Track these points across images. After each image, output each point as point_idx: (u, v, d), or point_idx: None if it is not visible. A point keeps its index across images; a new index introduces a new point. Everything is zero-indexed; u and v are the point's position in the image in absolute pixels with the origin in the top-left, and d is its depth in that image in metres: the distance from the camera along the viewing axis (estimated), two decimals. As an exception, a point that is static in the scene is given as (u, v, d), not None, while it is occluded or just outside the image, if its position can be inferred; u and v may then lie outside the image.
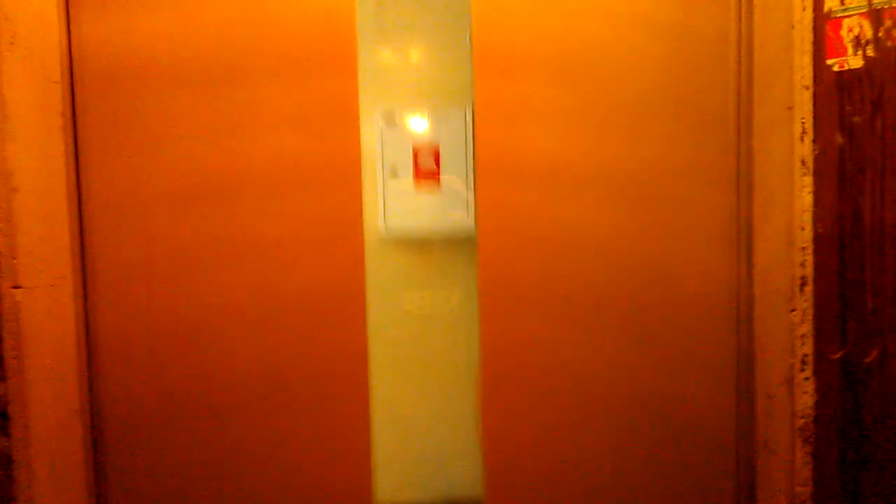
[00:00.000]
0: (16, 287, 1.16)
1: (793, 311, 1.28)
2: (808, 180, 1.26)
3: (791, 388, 1.28)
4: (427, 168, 1.26)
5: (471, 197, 1.27)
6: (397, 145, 1.27)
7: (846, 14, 1.21)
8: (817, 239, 1.26)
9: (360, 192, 1.34)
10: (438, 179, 1.27)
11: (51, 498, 1.22)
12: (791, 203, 1.28)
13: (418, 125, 1.24)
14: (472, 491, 1.48)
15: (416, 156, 1.26)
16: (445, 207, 1.27)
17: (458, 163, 1.27)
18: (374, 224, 1.35)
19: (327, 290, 1.36)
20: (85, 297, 1.33)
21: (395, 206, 1.28)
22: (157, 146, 1.33)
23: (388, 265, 1.35)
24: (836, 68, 1.23)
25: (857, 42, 1.21)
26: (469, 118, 1.28)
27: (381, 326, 1.35)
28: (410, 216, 1.29)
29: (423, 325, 1.37)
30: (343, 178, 1.35)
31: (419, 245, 1.32)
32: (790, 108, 1.27)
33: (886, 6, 1.18)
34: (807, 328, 1.27)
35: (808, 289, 1.27)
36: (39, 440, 1.19)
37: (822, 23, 1.23)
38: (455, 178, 1.26)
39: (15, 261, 1.16)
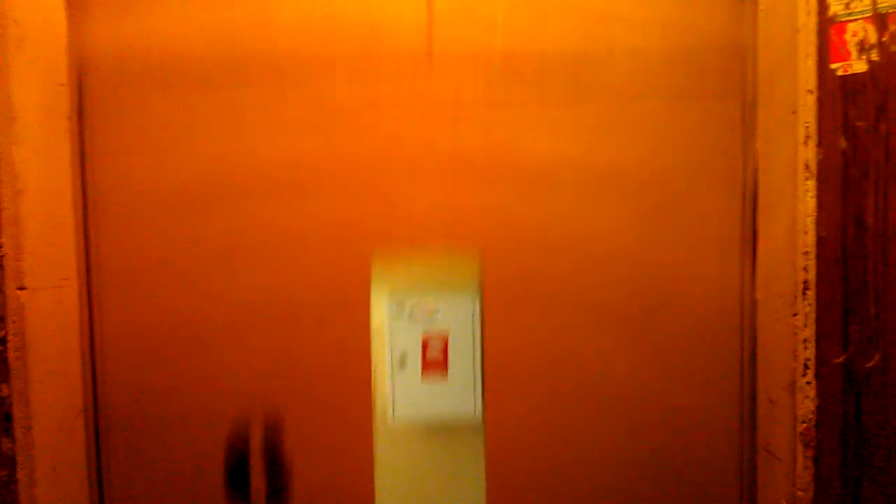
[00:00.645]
0: (21, 288, 1.17)
1: (795, 315, 1.28)
2: (812, 184, 1.25)
3: (793, 393, 1.28)
4: (435, 359, 1.29)
5: (478, 391, 1.30)
6: (406, 334, 1.30)
7: (850, 18, 1.21)
8: (820, 243, 1.26)
9: (368, 193, 1.35)
10: (447, 371, 1.30)
11: (53, 499, 1.23)
12: (794, 207, 1.27)
13: (427, 314, 1.27)
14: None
15: (424, 346, 1.29)
16: (453, 399, 1.30)
17: (466, 352, 1.30)
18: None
19: (332, 291, 1.37)
20: (89, 298, 1.34)
21: (403, 395, 1.31)
22: (162, 148, 1.34)
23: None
24: (840, 72, 1.23)
25: (862, 46, 1.21)
26: (477, 307, 1.31)
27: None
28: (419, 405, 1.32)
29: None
30: (352, 179, 1.35)
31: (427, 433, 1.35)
32: (794, 112, 1.26)
33: (891, 11, 1.18)
34: (809, 332, 1.27)
35: (811, 293, 1.26)
36: (42, 441, 1.20)
37: (827, 27, 1.23)
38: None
39: (20, 262, 1.17)
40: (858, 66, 1.21)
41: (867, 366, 1.23)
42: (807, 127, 1.25)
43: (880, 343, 1.22)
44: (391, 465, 1.33)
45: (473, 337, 1.29)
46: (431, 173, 1.37)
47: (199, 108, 1.34)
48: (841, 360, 1.25)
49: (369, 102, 1.35)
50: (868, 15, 1.20)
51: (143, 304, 1.35)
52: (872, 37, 1.20)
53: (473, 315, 1.30)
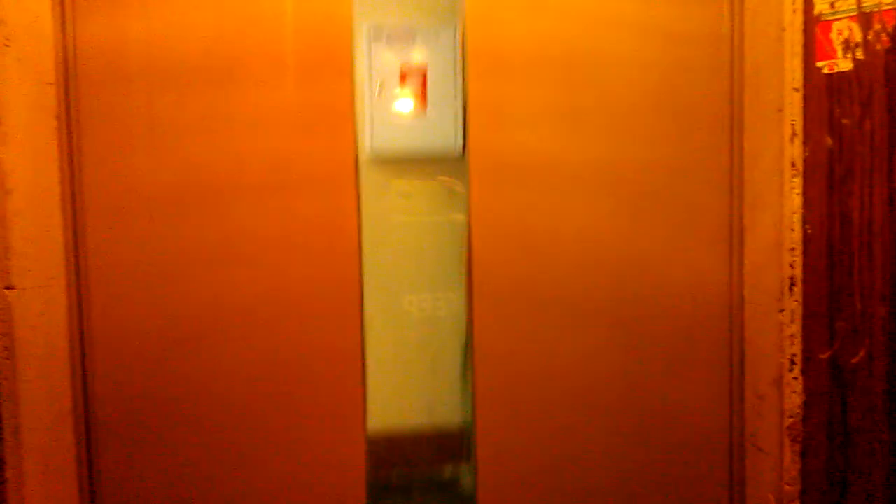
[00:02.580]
0: (8, 288, 1.17)
1: (782, 311, 1.29)
2: (798, 182, 1.27)
3: (780, 388, 1.30)
4: (414, 91, 1.20)
5: (458, 125, 1.21)
6: (384, 65, 1.21)
7: (836, 17, 1.22)
8: (806, 240, 1.27)
9: (355, 191, 1.35)
10: (425, 104, 1.21)
11: (43, 499, 1.23)
12: (781, 204, 1.29)
13: (406, 42, 1.18)
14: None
15: (403, 77, 1.20)
16: (433, 132, 1.20)
17: (446, 87, 1.21)
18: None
19: (322, 289, 1.37)
20: (79, 297, 1.33)
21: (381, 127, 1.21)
22: (152, 147, 1.33)
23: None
24: (825, 71, 1.24)
25: (847, 45, 1.22)
26: (458, 36, 1.23)
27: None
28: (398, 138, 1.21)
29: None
30: (338, 177, 1.35)
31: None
32: (780, 110, 1.28)
33: (876, 10, 1.19)
34: (795, 328, 1.28)
35: (797, 289, 1.28)
36: (31, 442, 1.20)
37: (812, 26, 1.24)
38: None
39: (8, 262, 1.16)
40: (844, 64, 1.22)
41: (853, 361, 1.24)
42: (793, 125, 1.26)
43: (866, 338, 1.23)
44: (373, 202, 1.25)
45: (454, 70, 1.22)
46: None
47: (188, 108, 1.33)
48: (827, 355, 1.26)
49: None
50: (853, 14, 1.21)
51: (132, 303, 1.34)
52: (857, 35, 1.21)
53: (455, 47, 1.22)
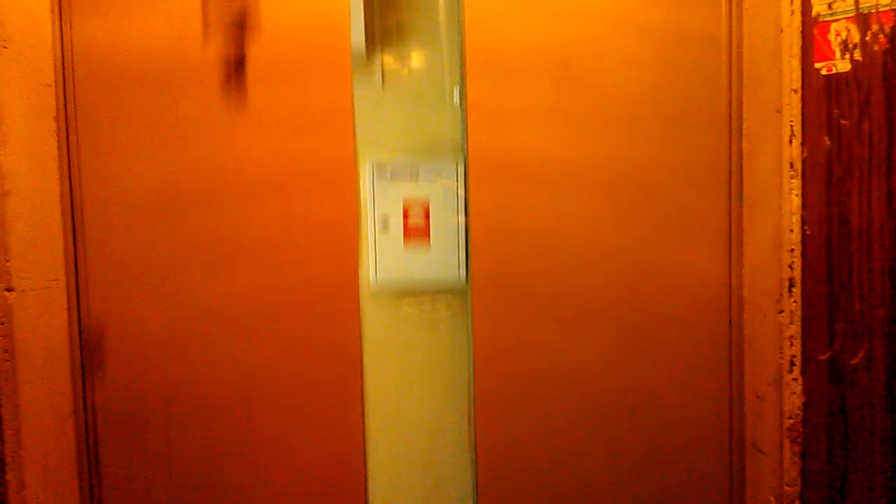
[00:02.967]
0: (9, 290, 1.17)
1: (781, 312, 1.29)
2: (797, 183, 1.27)
3: (779, 389, 1.29)
4: (416, 224, 1.25)
5: (462, 254, 1.26)
6: (387, 199, 1.25)
7: (834, 18, 1.22)
8: (805, 241, 1.27)
9: (356, 192, 1.35)
10: (428, 236, 1.25)
11: (44, 501, 1.23)
12: (780, 205, 1.29)
13: (408, 178, 1.22)
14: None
15: (406, 212, 1.25)
16: (435, 264, 1.25)
17: (449, 216, 1.25)
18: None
19: (322, 291, 1.36)
20: (78, 299, 1.33)
21: (384, 259, 1.25)
22: (150, 148, 1.33)
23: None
24: (824, 72, 1.24)
25: (845, 46, 1.22)
26: (461, 171, 1.27)
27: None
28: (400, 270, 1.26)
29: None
30: (338, 178, 1.35)
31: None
32: (779, 111, 1.28)
33: (873, 11, 1.19)
34: (795, 329, 1.28)
35: (797, 290, 1.28)
36: (32, 442, 1.20)
37: (811, 27, 1.24)
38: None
39: (8, 264, 1.16)
40: (842, 65, 1.22)
41: (852, 362, 1.24)
42: (791, 126, 1.26)
43: (865, 339, 1.23)
44: (376, 330, 1.29)
45: (457, 202, 1.25)
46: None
47: (186, 109, 1.33)
48: (826, 356, 1.26)
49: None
50: (851, 15, 1.21)
51: (132, 302, 1.34)
52: (855, 36, 1.21)
53: (457, 180, 1.25)
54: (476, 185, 1.36)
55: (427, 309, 1.32)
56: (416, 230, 1.26)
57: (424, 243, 1.24)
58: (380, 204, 1.24)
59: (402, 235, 1.24)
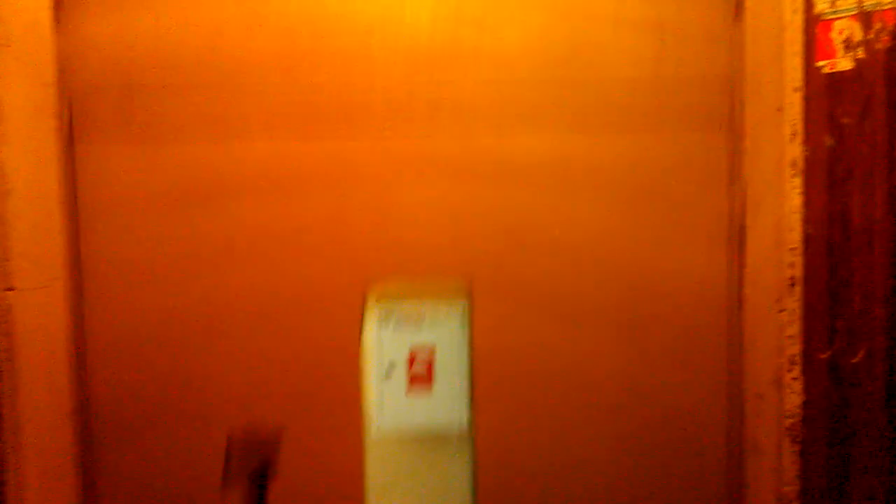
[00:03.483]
0: (9, 289, 1.17)
1: (782, 311, 1.29)
2: (798, 181, 1.26)
3: (779, 388, 1.29)
4: (420, 372, 1.27)
5: (465, 403, 1.27)
6: (394, 346, 1.27)
7: (836, 16, 1.22)
8: (807, 240, 1.27)
9: (358, 194, 1.35)
10: (431, 384, 1.27)
11: (43, 500, 1.23)
12: (781, 204, 1.28)
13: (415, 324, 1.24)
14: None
15: (411, 359, 1.27)
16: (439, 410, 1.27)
17: (453, 364, 1.27)
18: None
19: (322, 290, 1.37)
20: (79, 298, 1.33)
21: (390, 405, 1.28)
22: (150, 148, 1.33)
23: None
24: (826, 70, 1.23)
25: (848, 44, 1.21)
26: (465, 317, 1.28)
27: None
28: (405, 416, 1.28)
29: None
30: (338, 178, 1.36)
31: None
32: (780, 110, 1.27)
33: (876, 9, 1.19)
34: (795, 328, 1.28)
35: (798, 289, 1.27)
36: (31, 441, 1.20)
37: (813, 25, 1.23)
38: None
39: (8, 263, 1.17)
40: (844, 63, 1.22)
41: (852, 361, 1.24)
42: (793, 124, 1.25)
43: (865, 339, 1.23)
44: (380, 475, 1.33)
45: (460, 348, 1.29)
46: (417, 175, 1.37)
47: (187, 108, 1.33)
48: (827, 355, 1.26)
49: (356, 104, 1.35)
50: (853, 13, 1.20)
51: (132, 304, 1.34)
52: (858, 35, 1.20)
53: (461, 326, 1.29)
54: (472, 186, 1.36)
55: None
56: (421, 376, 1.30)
57: (428, 388, 1.28)
58: (385, 351, 1.28)
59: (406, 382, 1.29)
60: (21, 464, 1.18)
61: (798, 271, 1.27)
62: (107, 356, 1.35)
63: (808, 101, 1.25)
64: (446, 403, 1.27)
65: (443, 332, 1.26)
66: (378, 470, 1.32)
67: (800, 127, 1.25)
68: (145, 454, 1.36)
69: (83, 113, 1.32)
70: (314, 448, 1.38)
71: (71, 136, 1.32)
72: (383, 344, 1.25)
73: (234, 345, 1.36)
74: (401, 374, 1.25)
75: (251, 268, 1.36)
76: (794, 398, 1.28)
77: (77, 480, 1.34)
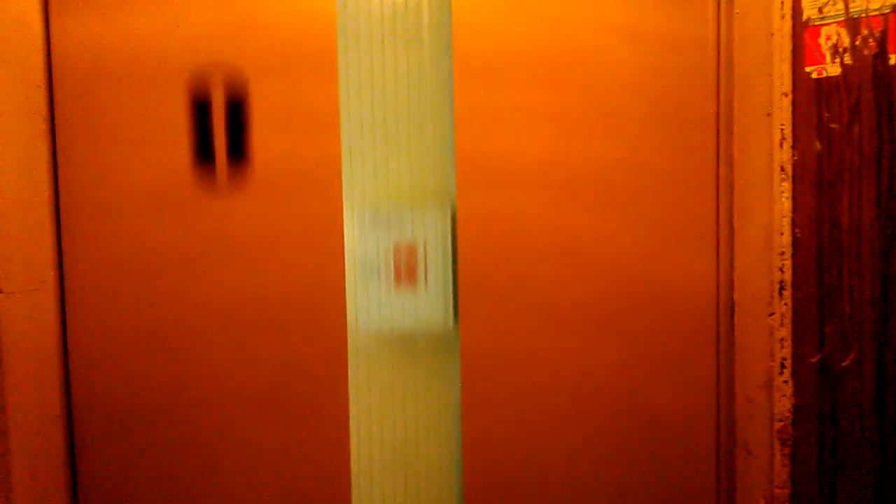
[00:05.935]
0: (-4, 292, 1.16)
1: (771, 314, 1.29)
2: (787, 186, 1.27)
3: (770, 391, 1.30)
4: (405, 270, 1.24)
5: (450, 301, 1.25)
6: (376, 245, 1.24)
7: (824, 22, 1.23)
8: (796, 244, 1.28)
9: (340, 195, 1.35)
10: (416, 281, 1.24)
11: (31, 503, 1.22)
12: (770, 208, 1.29)
13: (398, 222, 1.21)
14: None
15: (395, 257, 1.24)
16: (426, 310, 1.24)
17: (438, 263, 1.24)
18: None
19: (308, 292, 1.36)
20: (69, 301, 1.32)
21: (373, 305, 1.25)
22: (138, 150, 1.33)
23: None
24: (814, 76, 1.25)
25: (835, 50, 1.23)
26: (450, 218, 1.27)
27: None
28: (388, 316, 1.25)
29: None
30: (323, 179, 1.35)
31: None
32: (769, 115, 1.28)
33: (863, 15, 1.20)
34: (785, 332, 1.28)
35: (787, 293, 1.28)
36: (19, 446, 1.19)
37: (801, 31, 1.25)
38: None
39: (-4, 266, 1.16)
40: (832, 69, 1.23)
41: (842, 364, 1.25)
42: (782, 129, 1.27)
43: (855, 342, 1.24)
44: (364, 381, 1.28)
45: (444, 247, 1.25)
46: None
47: (176, 109, 1.33)
48: (817, 358, 1.27)
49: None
50: (841, 19, 1.22)
51: (120, 306, 1.33)
52: (845, 40, 1.22)
53: (447, 225, 1.25)
54: (464, 189, 1.36)
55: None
56: (405, 274, 1.26)
57: (412, 287, 1.23)
58: (368, 250, 1.23)
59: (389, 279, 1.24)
60: (8, 467, 1.17)
61: (787, 275, 1.28)
62: (93, 360, 1.34)
63: (796, 106, 1.26)
64: (432, 303, 1.23)
65: (427, 228, 1.22)
66: (361, 374, 1.27)
67: (789, 132, 1.26)
68: (133, 458, 1.35)
69: (72, 114, 1.32)
70: (301, 452, 1.38)
71: (59, 137, 1.31)
72: (365, 242, 1.20)
73: (221, 348, 1.36)
74: (385, 272, 1.21)
75: (239, 269, 1.35)
76: (784, 401, 1.28)
77: (66, 484, 1.32)
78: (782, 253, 1.28)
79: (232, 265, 1.35)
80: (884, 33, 1.19)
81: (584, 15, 1.38)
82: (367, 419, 1.28)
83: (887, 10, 1.18)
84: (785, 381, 1.28)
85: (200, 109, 1.27)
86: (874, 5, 1.19)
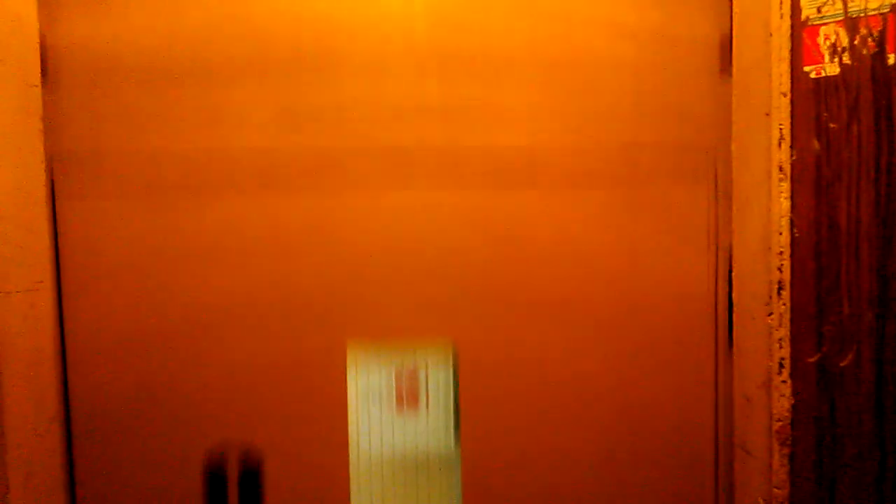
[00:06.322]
0: (-7, 292, 1.16)
1: (770, 314, 1.29)
2: (786, 186, 1.27)
3: (768, 392, 1.30)
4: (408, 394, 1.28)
5: (452, 425, 1.28)
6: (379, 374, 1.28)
7: (823, 22, 1.23)
8: (794, 243, 1.27)
9: (339, 191, 1.35)
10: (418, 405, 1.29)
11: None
12: (769, 208, 1.29)
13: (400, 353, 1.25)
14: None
15: (398, 384, 1.28)
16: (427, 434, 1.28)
17: (440, 387, 1.28)
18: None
19: (308, 290, 1.36)
20: (67, 301, 1.32)
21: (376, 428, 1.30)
22: (134, 146, 1.32)
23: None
24: (813, 75, 1.24)
25: (834, 49, 1.22)
26: (452, 348, 1.30)
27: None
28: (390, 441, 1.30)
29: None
30: (321, 177, 1.35)
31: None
32: (768, 115, 1.28)
33: (862, 15, 1.20)
34: (784, 332, 1.28)
35: (786, 293, 1.28)
36: (16, 447, 1.18)
37: (800, 30, 1.25)
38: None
39: (-7, 265, 1.15)
40: (831, 68, 1.23)
41: (841, 364, 1.25)
42: (780, 129, 1.26)
43: (853, 342, 1.24)
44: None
45: (447, 371, 1.28)
46: (404, 177, 1.37)
47: (173, 107, 1.33)
48: (815, 358, 1.27)
49: (339, 101, 1.35)
50: (840, 19, 1.22)
51: (118, 307, 1.33)
52: (844, 40, 1.21)
53: (448, 358, 1.28)
54: (459, 188, 1.36)
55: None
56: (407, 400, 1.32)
57: (415, 411, 1.29)
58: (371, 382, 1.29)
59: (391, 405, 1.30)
60: (4, 468, 1.16)
61: (786, 275, 1.28)
62: (90, 360, 1.33)
63: (795, 105, 1.26)
64: (434, 427, 1.27)
65: (428, 358, 1.25)
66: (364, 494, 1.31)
67: (787, 131, 1.26)
68: (131, 458, 1.35)
69: (70, 113, 1.31)
70: (299, 452, 1.37)
71: (57, 136, 1.31)
72: (368, 373, 1.23)
73: (220, 347, 1.35)
74: (387, 396, 1.25)
75: (238, 267, 1.35)
76: (783, 401, 1.28)
77: (64, 486, 1.32)
78: (781, 253, 1.28)
79: (231, 266, 1.35)
80: (882, 33, 1.19)
81: (584, 14, 1.38)
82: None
83: (886, 10, 1.18)
84: (783, 381, 1.28)
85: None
86: (873, 5, 1.19)
